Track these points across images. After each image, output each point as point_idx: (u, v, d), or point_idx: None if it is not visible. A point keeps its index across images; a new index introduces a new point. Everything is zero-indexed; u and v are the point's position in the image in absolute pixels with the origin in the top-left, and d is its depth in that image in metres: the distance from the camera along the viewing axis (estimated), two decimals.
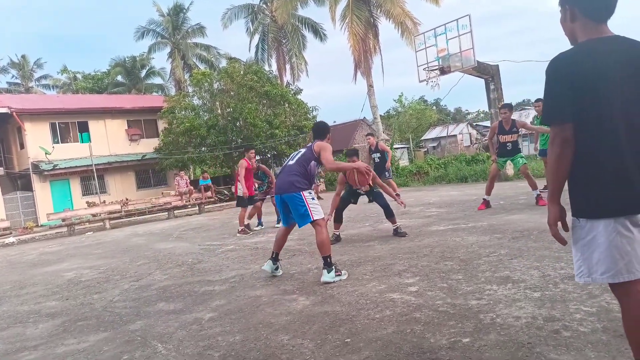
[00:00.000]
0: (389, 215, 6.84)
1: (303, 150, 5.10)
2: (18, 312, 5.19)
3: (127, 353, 3.41)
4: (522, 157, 8.41)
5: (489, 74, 15.52)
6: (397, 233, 6.77)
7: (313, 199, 4.83)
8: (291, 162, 4.99)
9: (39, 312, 5.07)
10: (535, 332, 2.83)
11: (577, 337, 2.68)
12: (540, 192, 8.08)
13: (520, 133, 8.34)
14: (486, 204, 8.40)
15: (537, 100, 9.24)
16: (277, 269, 5.22)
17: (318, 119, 27.95)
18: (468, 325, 3.07)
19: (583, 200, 1.89)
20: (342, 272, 4.78)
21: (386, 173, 11.94)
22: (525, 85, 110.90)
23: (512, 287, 3.73)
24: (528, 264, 4.36)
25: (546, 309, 3.17)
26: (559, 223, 1.96)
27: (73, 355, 3.52)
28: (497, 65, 15.74)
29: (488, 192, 8.44)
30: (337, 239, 6.95)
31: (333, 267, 4.72)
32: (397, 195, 7.03)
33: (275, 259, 5.19)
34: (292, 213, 4.90)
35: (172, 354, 3.28)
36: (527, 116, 35.68)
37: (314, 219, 4.77)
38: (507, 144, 8.25)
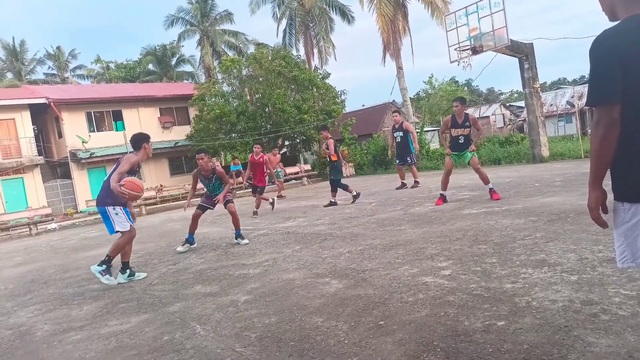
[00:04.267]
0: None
1: (115, 164, 5.57)
2: (63, 294, 5.44)
3: (168, 334, 3.54)
4: (469, 151, 8.01)
5: (522, 52, 15.06)
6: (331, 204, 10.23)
7: (117, 214, 5.44)
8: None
9: (82, 294, 5.30)
10: (572, 315, 2.80)
11: (617, 321, 2.64)
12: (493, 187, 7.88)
13: (471, 127, 7.97)
14: (443, 199, 8.14)
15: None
16: (133, 274, 5.73)
17: (347, 103, 27.79)
18: (503, 308, 3.06)
19: (628, 183, 1.83)
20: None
21: (407, 158, 11.62)
22: (561, 63, 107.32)
23: (548, 271, 3.68)
24: (564, 247, 4.28)
25: (584, 293, 3.12)
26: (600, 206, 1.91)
27: (116, 336, 3.68)
28: (532, 43, 15.25)
29: (444, 187, 8.18)
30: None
31: (104, 266, 5.41)
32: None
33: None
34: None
35: (211, 335, 3.39)
36: (563, 95, 34.58)
37: (117, 230, 5.48)
38: (459, 138, 7.98)
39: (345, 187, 10.41)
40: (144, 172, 25.58)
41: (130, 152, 5.69)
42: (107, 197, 5.43)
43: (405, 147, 11.54)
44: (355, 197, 10.26)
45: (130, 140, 5.75)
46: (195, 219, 7.18)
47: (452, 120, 8.08)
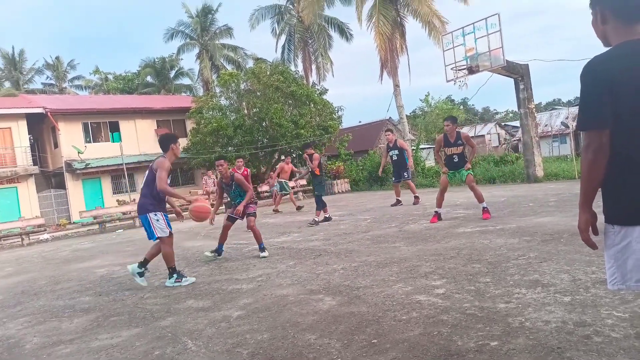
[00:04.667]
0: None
1: (147, 171, 5.67)
2: (54, 306, 5.38)
3: (159, 349, 3.51)
4: (465, 169, 8.04)
5: (518, 73, 15.24)
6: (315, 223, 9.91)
7: (158, 220, 5.52)
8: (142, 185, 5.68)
9: (73, 307, 5.24)
10: (565, 336, 2.79)
11: (609, 343, 2.64)
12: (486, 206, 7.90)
13: (465, 145, 8.01)
14: (438, 216, 8.16)
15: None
16: (142, 275, 5.76)
17: (343, 119, 27.94)
18: (496, 328, 3.05)
19: (618, 206, 1.85)
20: (184, 278, 5.60)
21: (404, 174, 11.76)
22: (556, 84, 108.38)
23: (541, 291, 3.68)
24: (558, 267, 4.29)
25: (577, 314, 3.12)
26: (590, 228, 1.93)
27: (107, 350, 3.63)
28: (527, 64, 15.44)
29: (439, 205, 8.20)
30: None
31: (175, 275, 5.59)
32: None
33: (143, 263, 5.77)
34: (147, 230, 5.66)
35: (202, 351, 3.35)
36: (558, 116, 34.90)
37: (158, 236, 5.55)
38: (454, 157, 8.02)
39: (322, 206, 10.29)
40: (138, 183, 25.52)
41: (160, 157, 5.68)
42: (148, 204, 5.53)
43: (402, 165, 11.69)
44: (317, 222, 10.00)
45: (158, 141, 5.84)
46: (224, 230, 7.07)
47: (445, 140, 8.11)
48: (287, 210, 15.10)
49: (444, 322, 3.29)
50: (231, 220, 7.09)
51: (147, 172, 5.68)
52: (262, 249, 6.95)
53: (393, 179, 12.24)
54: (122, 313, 4.69)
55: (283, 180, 14.54)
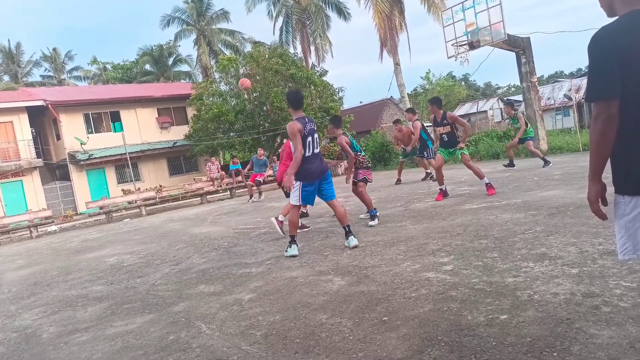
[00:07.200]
0: None
1: (315, 136, 5.58)
2: (67, 296, 5.46)
3: (173, 333, 3.57)
4: (459, 148, 8.05)
5: (519, 46, 15.08)
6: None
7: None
8: (317, 150, 5.61)
9: (86, 296, 5.32)
10: (574, 308, 2.83)
11: (618, 313, 2.67)
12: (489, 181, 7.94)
13: (453, 124, 8.07)
14: (443, 194, 8.20)
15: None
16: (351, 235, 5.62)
17: (344, 100, 27.80)
18: (505, 302, 3.09)
19: (628, 177, 1.85)
20: None
21: (424, 152, 11.79)
22: (558, 56, 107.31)
23: (549, 264, 3.71)
24: (565, 240, 4.32)
25: (585, 285, 3.15)
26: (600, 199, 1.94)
27: (122, 337, 3.70)
28: (528, 37, 15.26)
29: (440, 182, 8.22)
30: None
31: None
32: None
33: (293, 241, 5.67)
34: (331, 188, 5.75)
35: (216, 334, 3.41)
36: (561, 88, 34.60)
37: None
38: (443, 136, 8.13)
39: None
40: (142, 172, 25.60)
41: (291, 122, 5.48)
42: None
43: (422, 141, 11.82)
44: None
45: (288, 99, 5.72)
46: (361, 195, 7.04)
47: (434, 119, 8.31)
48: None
49: (453, 297, 3.33)
50: (356, 184, 7.14)
51: (315, 135, 5.54)
52: (372, 217, 6.73)
53: (417, 153, 12.44)
54: (134, 300, 4.76)
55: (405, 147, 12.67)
